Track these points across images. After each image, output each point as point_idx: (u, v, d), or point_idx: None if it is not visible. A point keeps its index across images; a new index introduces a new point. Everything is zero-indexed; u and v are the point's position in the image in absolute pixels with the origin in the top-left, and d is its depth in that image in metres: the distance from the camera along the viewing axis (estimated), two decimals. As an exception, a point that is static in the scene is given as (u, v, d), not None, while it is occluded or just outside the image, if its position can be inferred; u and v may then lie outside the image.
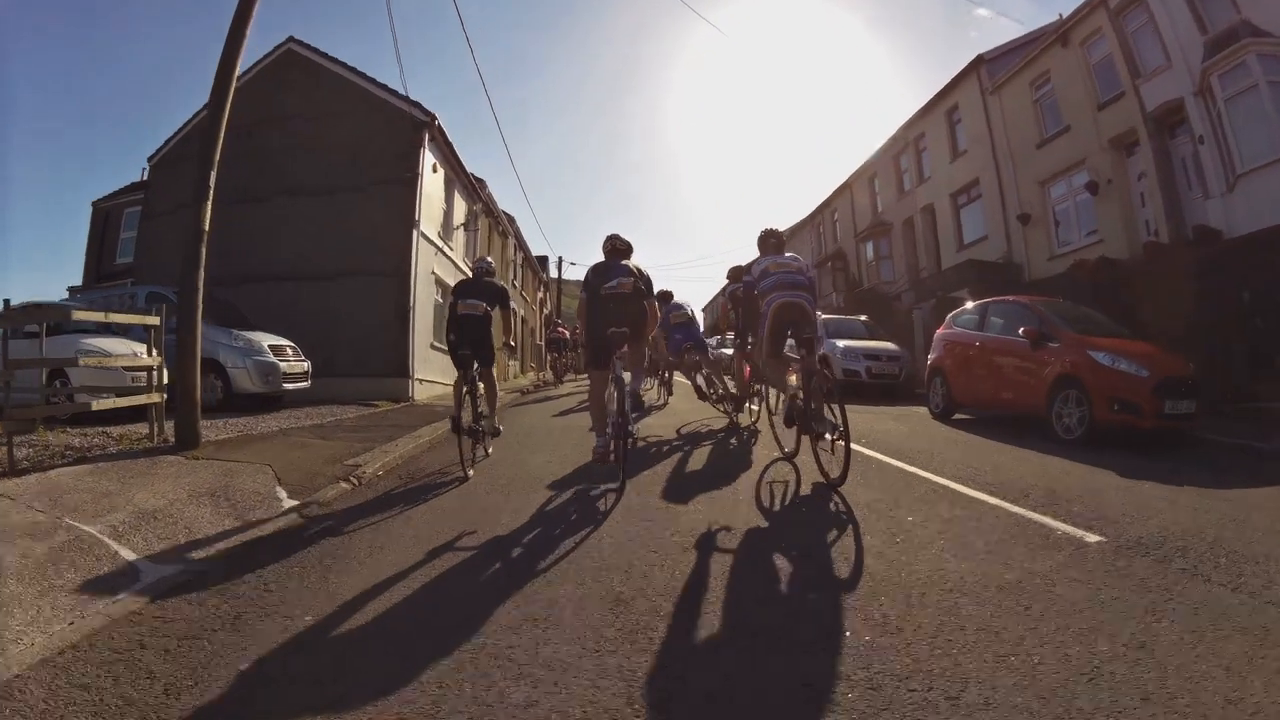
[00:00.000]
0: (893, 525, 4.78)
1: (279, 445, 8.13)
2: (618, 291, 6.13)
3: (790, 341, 6.55)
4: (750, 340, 7.69)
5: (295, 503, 5.63)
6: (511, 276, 31.90)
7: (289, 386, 12.91)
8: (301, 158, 17.58)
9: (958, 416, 11.30)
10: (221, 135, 8.11)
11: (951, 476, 6.39)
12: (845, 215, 34.20)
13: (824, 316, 17.52)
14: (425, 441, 9.07)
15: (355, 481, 6.57)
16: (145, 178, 20.52)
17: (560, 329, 27.92)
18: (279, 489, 6.04)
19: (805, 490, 5.91)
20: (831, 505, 5.41)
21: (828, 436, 5.85)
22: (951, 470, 6.66)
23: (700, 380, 11.01)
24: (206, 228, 7.92)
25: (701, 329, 12.27)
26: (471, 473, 6.67)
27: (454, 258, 20.60)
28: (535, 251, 40.61)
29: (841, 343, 15.87)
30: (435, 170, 19.10)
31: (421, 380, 16.76)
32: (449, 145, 19.71)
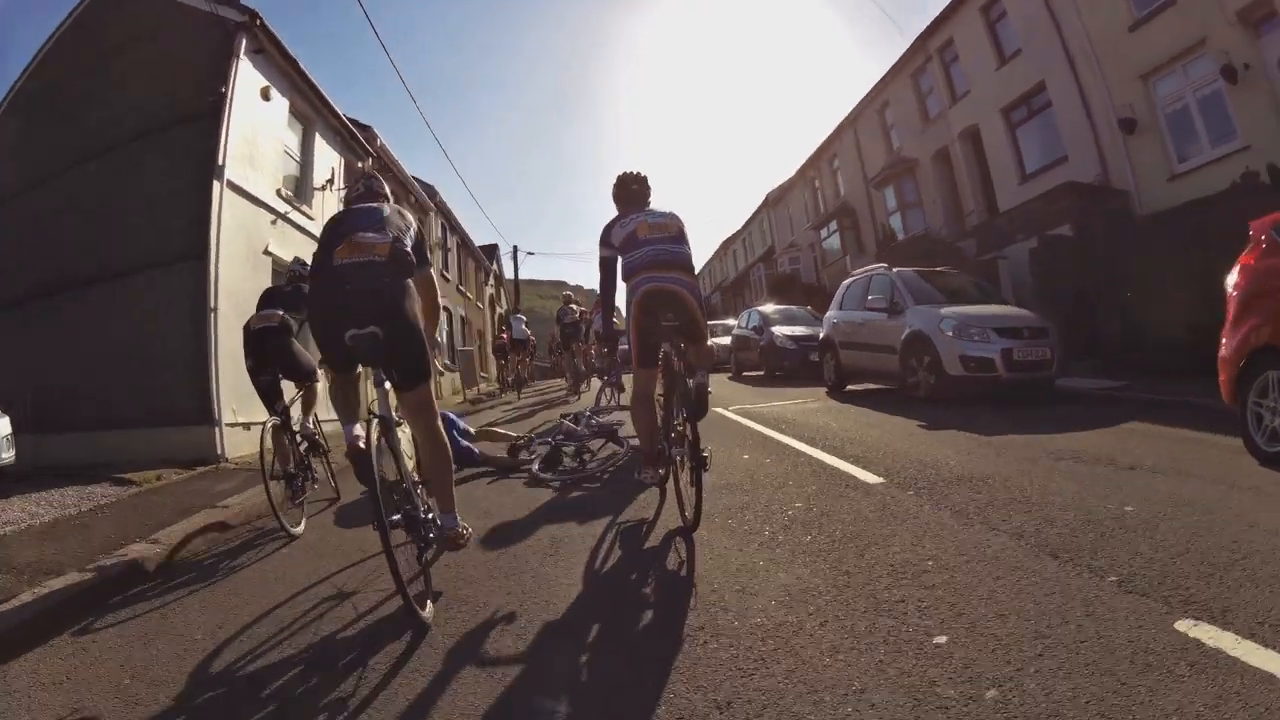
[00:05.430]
0: None
1: None
2: (357, 259, 3.38)
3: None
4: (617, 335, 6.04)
5: None
6: (439, 265, 25.07)
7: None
8: (95, 110, 11.77)
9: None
10: None
11: None
12: (849, 161, 28.05)
13: (898, 271, 11.10)
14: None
15: None
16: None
17: (503, 334, 22.45)
18: None
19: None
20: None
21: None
22: None
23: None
24: None
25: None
26: (300, 528, 5.29)
27: (315, 230, 13.81)
28: (481, 240, 34.38)
29: (947, 310, 9.31)
30: (268, 98, 12.37)
31: (246, 425, 10.02)
32: (292, 64, 12.97)
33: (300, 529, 5.34)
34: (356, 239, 3.44)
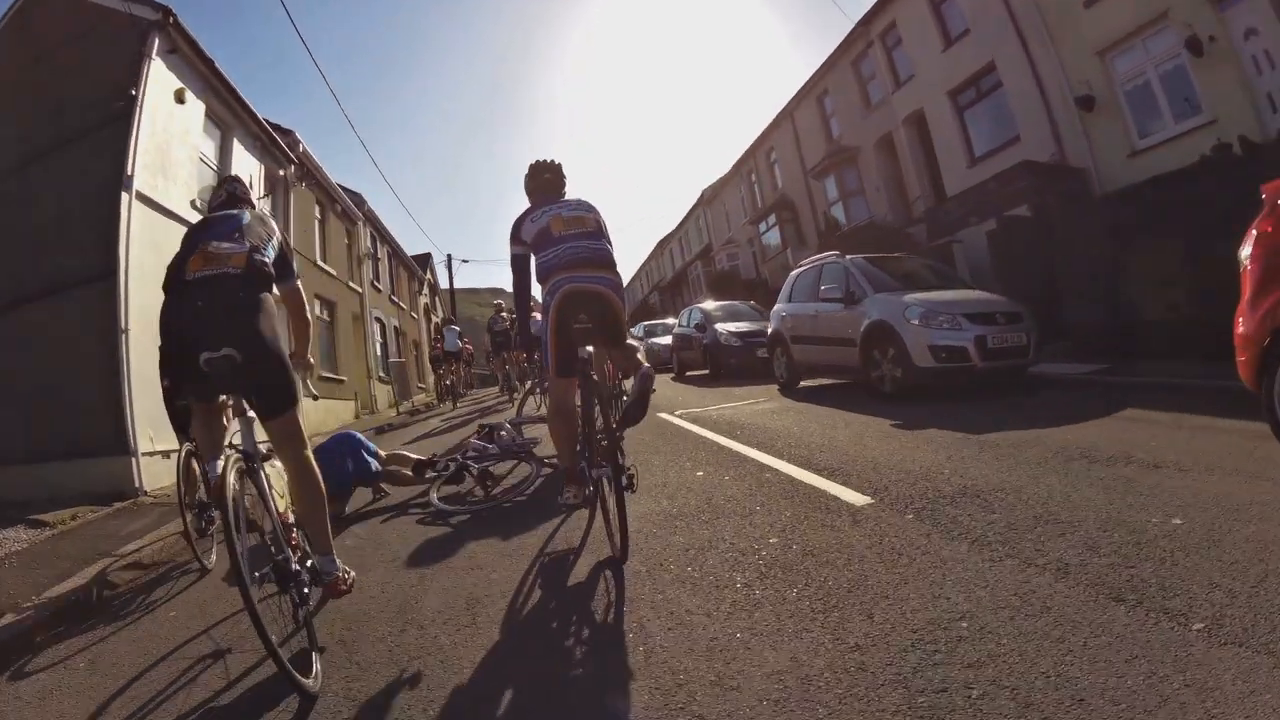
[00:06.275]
0: None
1: None
2: (209, 271, 3.03)
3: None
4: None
5: None
6: (370, 276, 24.14)
7: None
8: (10, 124, 11.01)
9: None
10: None
11: None
12: (787, 152, 27.69)
13: (851, 258, 10.48)
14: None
15: None
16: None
17: (437, 344, 21.48)
18: None
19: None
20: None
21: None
22: None
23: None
24: None
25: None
26: (213, 559, 5.12)
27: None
28: (415, 248, 33.53)
29: (911, 298, 8.76)
30: (182, 101, 11.55)
31: (165, 453, 9.20)
32: (208, 64, 12.21)
33: (213, 559, 5.19)
34: (210, 249, 3.12)
